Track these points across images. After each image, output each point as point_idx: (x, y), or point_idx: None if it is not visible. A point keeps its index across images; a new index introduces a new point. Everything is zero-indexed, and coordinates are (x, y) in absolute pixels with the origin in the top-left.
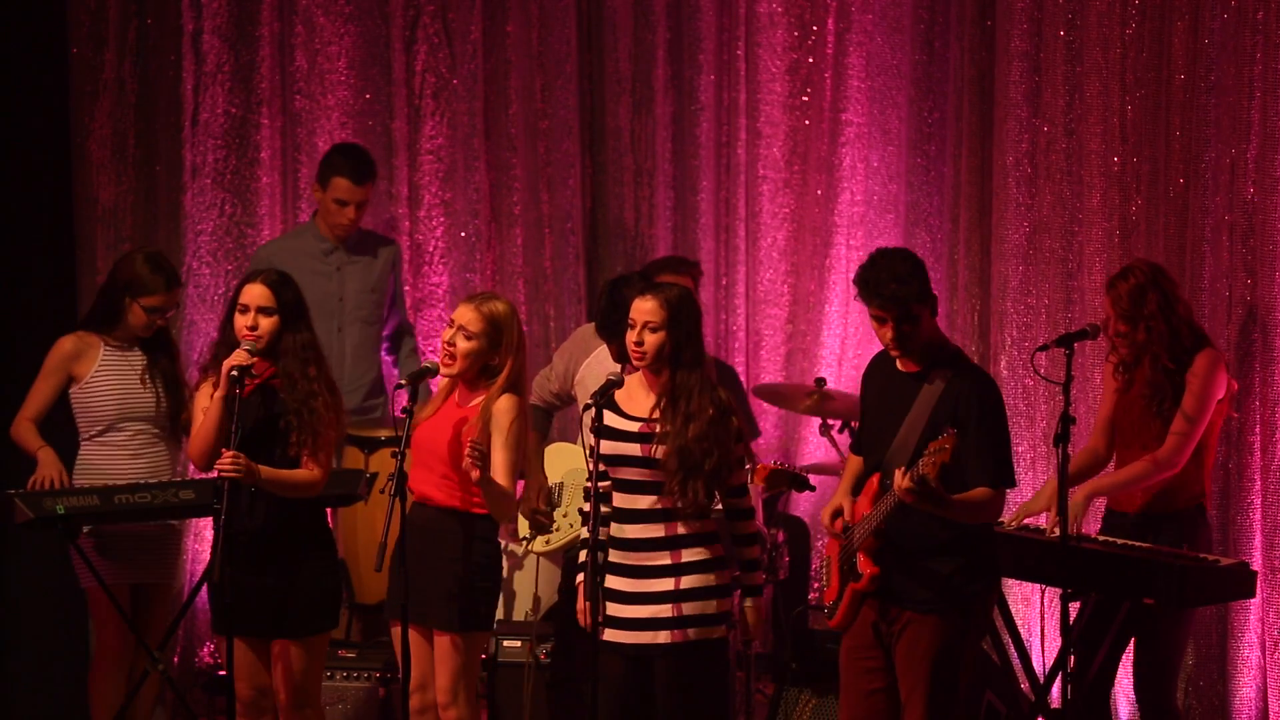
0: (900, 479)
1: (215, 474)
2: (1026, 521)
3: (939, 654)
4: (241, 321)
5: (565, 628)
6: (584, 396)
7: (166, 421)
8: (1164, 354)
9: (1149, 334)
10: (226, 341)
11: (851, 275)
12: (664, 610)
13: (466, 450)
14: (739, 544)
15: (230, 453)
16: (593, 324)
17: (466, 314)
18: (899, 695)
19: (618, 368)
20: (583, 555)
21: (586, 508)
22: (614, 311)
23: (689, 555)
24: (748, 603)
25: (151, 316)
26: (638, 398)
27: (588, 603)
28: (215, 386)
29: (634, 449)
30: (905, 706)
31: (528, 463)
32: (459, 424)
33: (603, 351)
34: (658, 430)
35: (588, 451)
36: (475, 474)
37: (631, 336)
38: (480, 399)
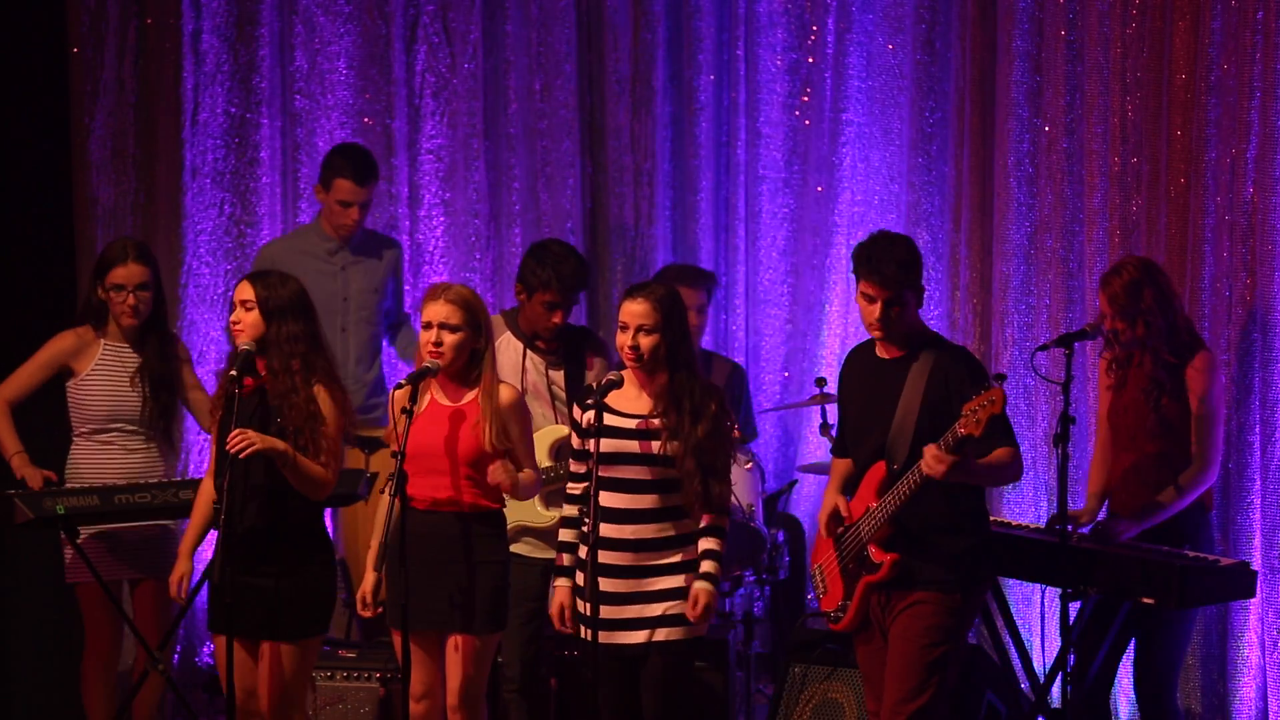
0: (933, 453)
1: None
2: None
3: (939, 631)
4: (229, 318)
5: (516, 632)
6: None
7: (153, 424)
8: (1164, 348)
9: (1148, 329)
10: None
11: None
12: (674, 607)
13: (497, 476)
14: (705, 533)
15: (236, 431)
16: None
17: (440, 310)
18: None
19: (518, 358)
20: (562, 558)
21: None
22: (540, 269)
23: (692, 554)
24: (697, 584)
25: (119, 297)
26: (629, 395)
27: (564, 605)
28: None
29: (633, 445)
30: (892, 677)
31: None
32: (456, 420)
33: (503, 342)
34: (659, 427)
35: (580, 439)
36: (508, 485)
37: (624, 340)
38: (472, 394)
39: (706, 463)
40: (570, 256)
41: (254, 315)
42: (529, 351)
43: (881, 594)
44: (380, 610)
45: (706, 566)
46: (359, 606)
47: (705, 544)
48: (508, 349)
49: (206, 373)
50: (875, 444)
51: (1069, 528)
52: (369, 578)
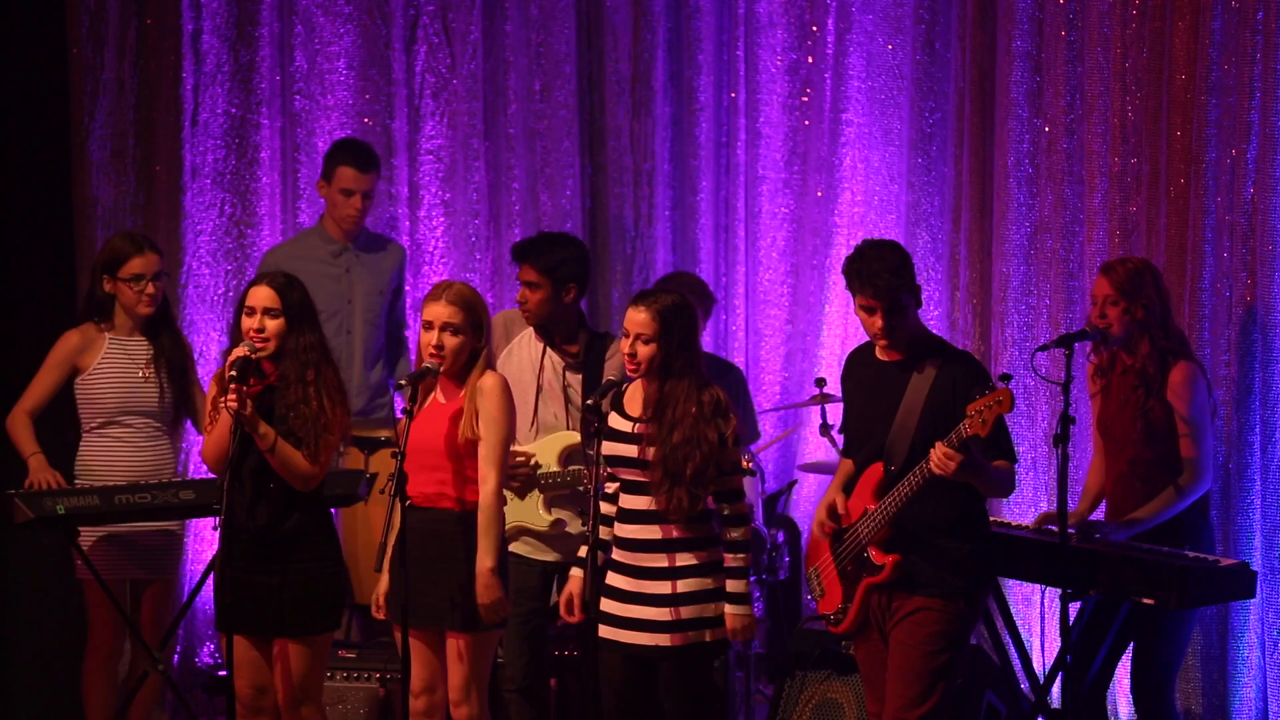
0: (940, 451)
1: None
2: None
3: (942, 638)
4: (248, 324)
5: (518, 631)
6: None
7: (168, 415)
8: (1160, 335)
9: (1147, 312)
10: (235, 346)
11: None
12: (662, 614)
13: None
14: (724, 549)
15: (234, 388)
16: (511, 311)
17: (443, 311)
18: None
19: (537, 355)
20: (581, 550)
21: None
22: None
23: (684, 559)
24: (727, 608)
25: (139, 287)
26: (638, 399)
27: (573, 595)
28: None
29: (630, 450)
30: (895, 684)
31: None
32: (454, 417)
33: (524, 338)
34: (646, 433)
35: (584, 449)
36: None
37: (625, 346)
38: (465, 388)
39: (673, 470)
40: (547, 239)
41: (280, 323)
42: (549, 350)
43: (882, 595)
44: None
45: (731, 587)
46: (373, 609)
47: (727, 562)
48: (528, 345)
49: (206, 373)
50: (875, 446)
51: (1062, 515)
52: (381, 580)
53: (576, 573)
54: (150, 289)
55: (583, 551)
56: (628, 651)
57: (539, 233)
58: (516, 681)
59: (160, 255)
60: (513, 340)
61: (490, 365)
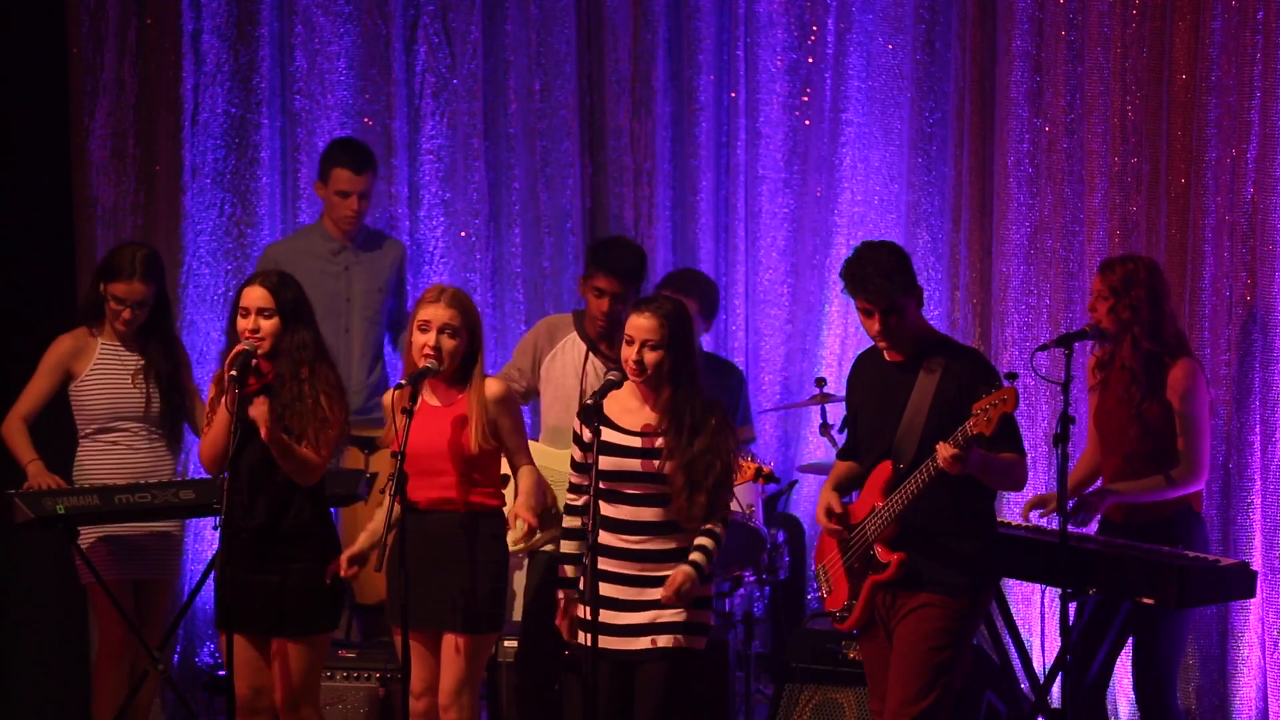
0: (945, 450)
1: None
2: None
3: (945, 635)
4: (243, 325)
5: (534, 631)
6: (548, 390)
7: (161, 423)
8: (1145, 337)
9: (1133, 312)
10: (233, 346)
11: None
12: (660, 616)
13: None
14: (700, 534)
15: (232, 388)
16: (555, 316)
17: (442, 313)
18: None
19: (579, 360)
20: (569, 570)
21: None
22: (593, 255)
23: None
24: (679, 568)
25: (116, 308)
26: (632, 410)
27: (568, 618)
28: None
29: (634, 464)
30: (896, 679)
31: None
32: (450, 421)
33: (568, 343)
34: (659, 445)
35: (581, 453)
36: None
37: (629, 354)
38: (464, 393)
39: (696, 479)
40: (626, 246)
41: (274, 322)
42: (591, 355)
43: (887, 593)
44: (355, 571)
45: (694, 556)
46: (344, 567)
47: (699, 540)
48: (571, 349)
49: (208, 373)
50: (884, 445)
51: (1063, 517)
52: (357, 545)
53: (568, 594)
54: (126, 314)
55: (570, 571)
56: (620, 659)
57: (615, 237)
58: (521, 679)
59: (150, 286)
60: (556, 345)
61: (483, 371)
